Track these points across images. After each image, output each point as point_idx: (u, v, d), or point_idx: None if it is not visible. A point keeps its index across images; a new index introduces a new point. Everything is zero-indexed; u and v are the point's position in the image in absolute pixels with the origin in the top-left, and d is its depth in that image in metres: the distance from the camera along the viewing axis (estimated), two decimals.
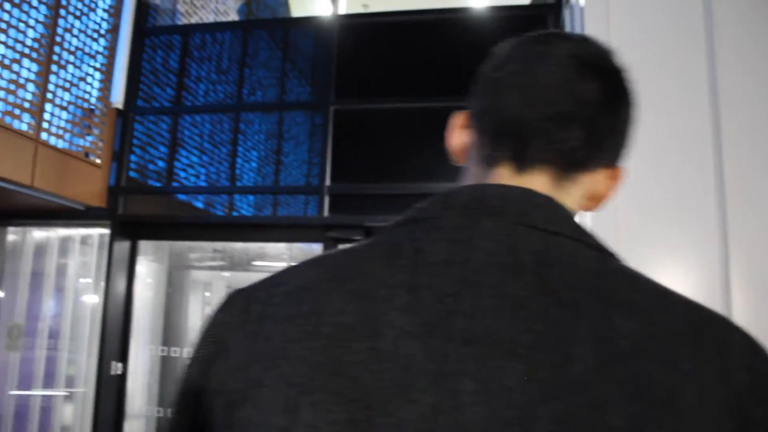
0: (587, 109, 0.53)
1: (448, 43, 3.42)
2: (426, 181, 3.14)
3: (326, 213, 3.23)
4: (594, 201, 0.58)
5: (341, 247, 0.55)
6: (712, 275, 1.87)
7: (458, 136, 0.60)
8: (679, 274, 1.90)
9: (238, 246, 3.59)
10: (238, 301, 0.51)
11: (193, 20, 4.19)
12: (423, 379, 0.42)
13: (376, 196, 3.25)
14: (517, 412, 0.40)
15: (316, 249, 3.36)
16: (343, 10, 3.75)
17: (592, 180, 0.56)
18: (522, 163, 0.54)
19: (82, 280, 3.81)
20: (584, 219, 2.56)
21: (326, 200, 3.22)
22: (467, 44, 3.29)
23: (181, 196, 3.65)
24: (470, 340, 0.43)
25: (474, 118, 0.58)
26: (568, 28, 2.83)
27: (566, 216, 0.51)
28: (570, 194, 0.55)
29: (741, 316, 1.83)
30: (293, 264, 0.53)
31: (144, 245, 3.78)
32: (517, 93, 0.54)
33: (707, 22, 2.12)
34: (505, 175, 0.54)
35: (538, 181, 0.54)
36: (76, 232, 3.82)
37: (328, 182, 3.25)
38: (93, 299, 3.69)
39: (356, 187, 3.27)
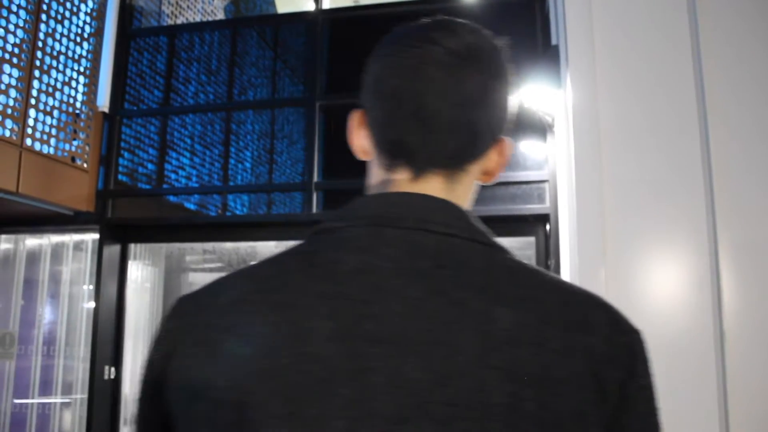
0: (466, 112, 0.58)
1: None
2: None
3: (315, 209, 3.19)
4: (488, 175, 0.65)
5: (268, 257, 0.60)
6: (701, 263, 1.80)
7: (358, 137, 0.65)
8: (668, 263, 1.84)
9: (229, 246, 3.55)
10: (187, 308, 0.58)
11: (179, 21, 4.15)
12: (342, 376, 0.49)
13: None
14: (416, 399, 0.48)
15: None
16: (332, 4, 3.70)
17: (482, 162, 0.62)
18: (417, 171, 0.59)
19: (76, 286, 3.80)
20: (574, 219, 2.48)
21: (314, 197, 3.18)
22: None
23: (173, 198, 3.62)
24: (379, 341, 0.50)
25: (367, 125, 0.63)
26: (552, 16, 2.76)
27: (459, 216, 0.57)
28: (463, 183, 0.61)
29: (731, 301, 1.77)
30: (230, 272, 0.60)
31: (140, 249, 3.76)
32: (400, 117, 0.59)
33: (691, 12, 2.05)
34: (404, 183, 0.60)
35: (434, 184, 0.59)
36: (69, 238, 3.80)
37: (316, 178, 3.21)
38: (87, 305, 3.67)
39: (345, 182, 3.22)
